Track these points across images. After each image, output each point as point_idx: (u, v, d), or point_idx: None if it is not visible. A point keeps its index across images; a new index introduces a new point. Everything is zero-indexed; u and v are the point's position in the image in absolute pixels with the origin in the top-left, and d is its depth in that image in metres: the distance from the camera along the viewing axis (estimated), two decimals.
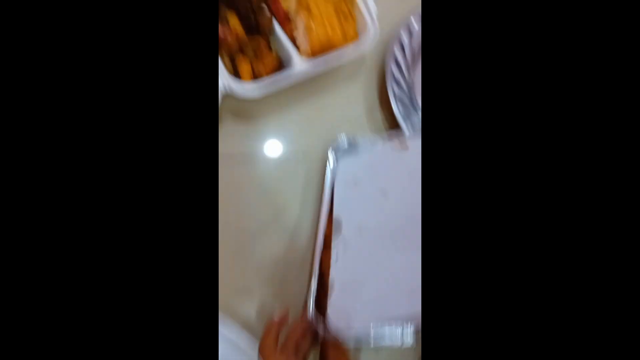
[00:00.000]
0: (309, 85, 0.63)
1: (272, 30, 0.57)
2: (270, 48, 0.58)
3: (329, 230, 0.53)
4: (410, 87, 0.66)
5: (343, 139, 0.58)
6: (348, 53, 0.57)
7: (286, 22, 0.58)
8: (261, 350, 0.43)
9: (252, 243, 0.56)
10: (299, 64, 0.57)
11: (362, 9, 0.60)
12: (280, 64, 0.59)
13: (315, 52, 0.57)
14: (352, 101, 0.66)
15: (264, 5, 0.57)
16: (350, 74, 0.67)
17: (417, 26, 0.67)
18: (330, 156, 0.57)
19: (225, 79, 0.53)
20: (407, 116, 0.62)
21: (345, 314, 0.45)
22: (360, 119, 0.65)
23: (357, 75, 0.67)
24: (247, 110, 0.62)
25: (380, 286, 0.46)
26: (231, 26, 0.55)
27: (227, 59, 0.55)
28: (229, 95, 0.53)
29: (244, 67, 0.55)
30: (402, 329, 0.42)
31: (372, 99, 0.67)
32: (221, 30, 0.54)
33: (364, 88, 0.67)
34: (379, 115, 0.66)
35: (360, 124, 0.65)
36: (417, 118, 0.64)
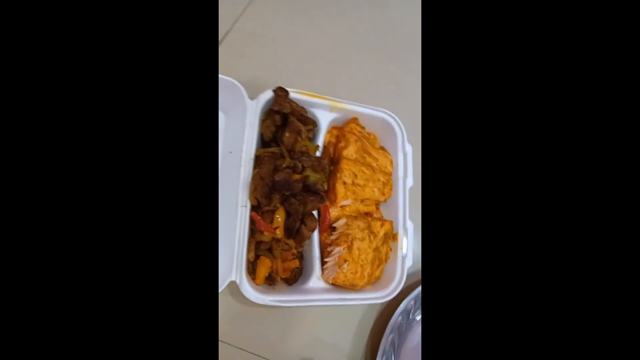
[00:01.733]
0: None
1: (307, 239, 0.55)
2: (295, 255, 0.55)
3: None
4: None
5: None
6: (365, 298, 0.56)
7: (326, 235, 0.56)
8: None
9: None
10: (315, 285, 0.54)
11: (398, 258, 0.59)
12: (298, 273, 0.57)
13: (334, 284, 0.55)
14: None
15: (313, 212, 0.55)
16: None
17: None
18: None
19: (238, 271, 0.49)
20: None
21: None
22: None
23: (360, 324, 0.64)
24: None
25: None
26: (275, 222, 0.52)
27: (252, 251, 0.52)
28: None
29: (262, 270, 0.51)
30: None
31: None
32: (263, 224, 0.51)
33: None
34: None
35: None
36: None
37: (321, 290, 0.55)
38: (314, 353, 0.60)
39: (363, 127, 0.62)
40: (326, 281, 0.55)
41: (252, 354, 0.56)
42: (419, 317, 0.64)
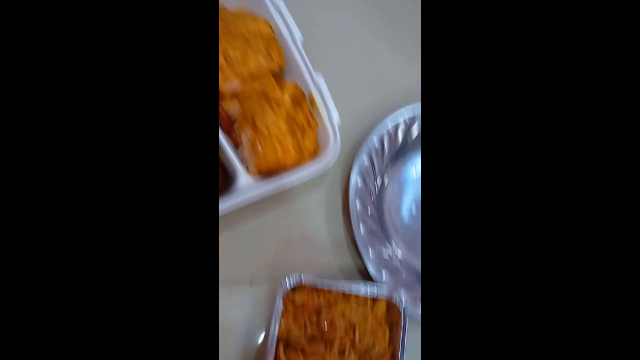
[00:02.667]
0: (259, 208, 0.55)
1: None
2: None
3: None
4: (381, 217, 0.58)
5: (289, 280, 0.49)
6: (304, 174, 0.49)
7: (232, 131, 0.50)
8: None
9: None
10: (244, 183, 0.48)
11: (324, 119, 0.51)
12: (228, 178, 0.51)
13: (264, 173, 0.49)
14: (307, 220, 0.57)
15: None
16: (310, 197, 0.58)
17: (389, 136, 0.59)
18: (278, 299, 0.48)
19: None
20: (378, 256, 0.54)
21: None
22: (316, 245, 0.56)
23: (316, 188, 0.58)
24: None
25: None
26: None
27: None
28: None
29: None
30: None
31: (334, 218, 0.58)
32: None
33: (324, 203, 0.58)
34: (343, 240, 0.57)
35: (316, 251, 0.56)
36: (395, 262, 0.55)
37: (255, 187, 0.48)
38: (291, 257, 0.55)
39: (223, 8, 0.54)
40: (253, 174, 0.48)
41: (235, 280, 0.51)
42: (386, 181, 0.58)
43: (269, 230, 0.54)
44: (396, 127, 0.58)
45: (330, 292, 0.50)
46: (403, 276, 0.54)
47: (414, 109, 0.59)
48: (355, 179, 0.55)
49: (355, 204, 0.54)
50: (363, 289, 0.49)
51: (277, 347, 0.47)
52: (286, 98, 0.49)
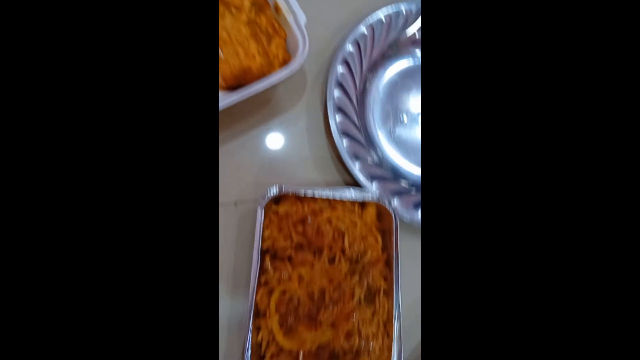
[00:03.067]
0: (238, 129, 0.53)
1: None
2: None
3: (258, 286, 0.44)
4: (362, 117, 0.55)
5: (270, 190, 0.47)
6: (273, 79, 0.46)
7: None
8: None
9: None
10: None
11: (290, 22, 0.49)
12: None
13: (230, 83, 0.47)
14: (289, 139, 0.54)
15: None
16: (286, 103, 0.56)
17: (365, 35, 0.55)
18: (259, 210, 0.46)
19: None
20: (362, 161, 0.51)
21: None
22: (300, 163, 0.54)
23: (295, 105, 0.55)
24: None
25: None
26: None
27: None
28: None
29: None
30: None
31: (316, 133, 0.55)
32: None
33: (305, 120, 0.55)
34: (327, 156, 0.55)
35: (300, 169, 0.54)
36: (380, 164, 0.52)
37: (222, 97, 0.46)
38: (275, 177, 0.52)
39: None
40: (220, 85, 0.46)
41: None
42: (368, 89, 0.54)
43: (248, 152, 0.52)
44: (372, 31, 0.55)
45: (315, 201, 0.48)
46: (393, 184, 0.51)
47: (389, 9, 0.55)
48: (332, 90, 0.52)
49: (335, 117, 0.51)
50: (349, 194, 0.47)
51: (262, 258, 0.45)
52: (246, 2, 0.46)
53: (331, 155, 0.53)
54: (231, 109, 0.46)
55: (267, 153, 0.53)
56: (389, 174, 0.52)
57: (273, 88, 0.49)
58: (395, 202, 0.49)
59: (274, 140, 0.53)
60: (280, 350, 0.42)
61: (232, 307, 0.48)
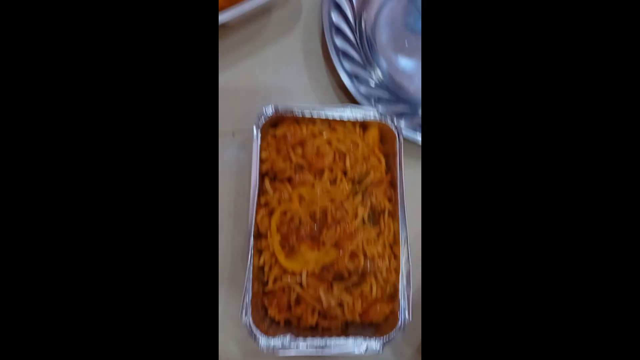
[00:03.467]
0: (229, 59, 0.51)
1: None
2: None
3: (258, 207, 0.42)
4: (361, 38, 0.53)
5: (266, 110, 0.45)
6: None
7: None
8: None
9: None
10: None
11: None
12: None
13: (223, 5, 0.44)
14: (285, 66, 0.52)
15: None
16: (281, 29, 0.53)
17: None
18: (256, 131, 0.44)
19: None
20: (360, 80, 0.49)
21: None
22: (299, 90, 0.52)
23: (291, 31, 0.53)
24: None
25: None
26: None
27: None
28: None
29: None
30: None
31: (314, 59, 0.53)
32: None
33: (301, 46, 0.53)
34: (326, 81, 0.52)
35: (298, 96, 0.51)
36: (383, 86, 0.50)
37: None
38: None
39: None
40: None
41: None
42: (367, 14, 0.52)
43: (244, 81, 0.50)
44: None
45: (314, 123, 0.46)
46: (396, 106, 0.49)
47: None
48: (329, 11, 0.50)
49: (332, 37, 0.49)
50: (350, 113, 0.45)
51: (261, 180, 0.43)
52: None
53: (330, 80, 0.51)
54: (225, 37, 0.44)
55: (263, 81, 0.51)
56: (392, 97, 0.50)
57: (268, 15, 0.47)
58: (399, 122, 0.47)
59: (270, 68, 0.51)
60: (284, 272, 0.41)
61: (234, 236, 0.47)
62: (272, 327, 0.41)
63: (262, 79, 0.51)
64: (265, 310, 0.42)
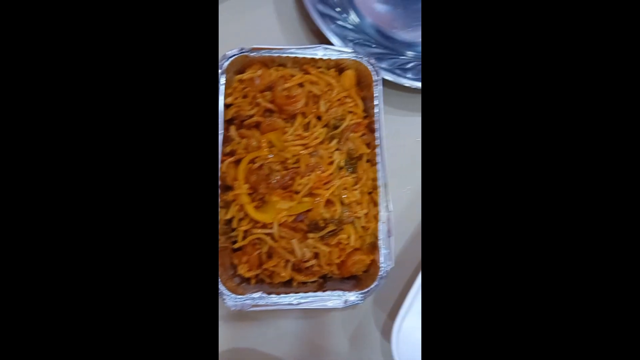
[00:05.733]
0: None
1: None
2: None
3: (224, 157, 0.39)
4: None
5: (231, 51, 0.40)
6: None
7: None
8: None
9: None
10: None
11: None
12: None
13: None
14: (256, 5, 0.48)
15: None
16: None
17: None
18: (219, 74, 0.40)
19: None
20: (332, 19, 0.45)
21: None
22: (270, 30, 0.48)
23: None
24: None
25: None
26: None
27: None
28: None
29: None
30: None
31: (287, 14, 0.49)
32: None
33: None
34: (297, 23, 0.48)
35: (270, 37, 0.47)
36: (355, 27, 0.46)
37: None
38: None
39: None
40: None
41: None
42: None
43: None
44: None
45: (285, 66, 0.42)
46: (375, 49, 0.45)
47: None
48: None
49: None
50: (324, 52, 0.41)
51: (226, 127, 0.39)
52: None
53: (301, 23, 0.47)
54: None
55: (233, 27, 0.47)
56: (370, 39, 0.46)
57: None
58: (378, 63, 0.43)
59: (238, 11, 0.47)
60: (254, 225, 0.37)
61: None
62: (241, 285, 0.38)
63: (232, 25, 0.47)
64: (235, 267, 0.38)
